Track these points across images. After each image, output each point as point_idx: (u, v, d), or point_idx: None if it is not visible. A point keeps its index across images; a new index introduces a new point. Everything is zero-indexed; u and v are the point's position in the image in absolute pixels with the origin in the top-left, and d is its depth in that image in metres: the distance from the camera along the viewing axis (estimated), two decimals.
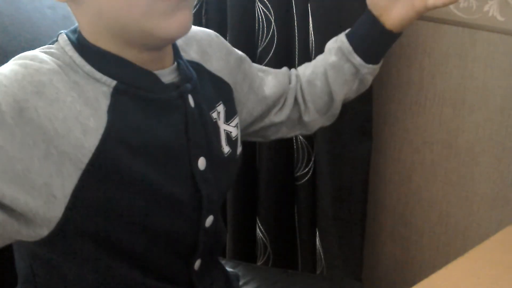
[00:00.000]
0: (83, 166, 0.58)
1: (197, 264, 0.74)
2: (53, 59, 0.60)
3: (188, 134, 0.68)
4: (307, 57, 1.17)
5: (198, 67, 0.75)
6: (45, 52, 0.61)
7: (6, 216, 0.53)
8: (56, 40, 0.64)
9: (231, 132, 0.77)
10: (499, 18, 1.02)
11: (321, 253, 1.30)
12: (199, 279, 0.75)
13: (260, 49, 1.22)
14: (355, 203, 1.25)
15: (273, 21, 1.18)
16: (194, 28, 0.78)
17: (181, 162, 0.67)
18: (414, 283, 0.72)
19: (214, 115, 0.74)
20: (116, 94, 0.62)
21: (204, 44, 0.78)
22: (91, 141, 0.59)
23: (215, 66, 0.79)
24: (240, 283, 0.96)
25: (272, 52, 1.20)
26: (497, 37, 1.03)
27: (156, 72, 0.65)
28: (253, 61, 1.25)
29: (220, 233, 0.79)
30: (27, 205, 0.54)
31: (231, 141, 0.77)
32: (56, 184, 0.56)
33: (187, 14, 0.61)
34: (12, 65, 0.58)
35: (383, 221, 1.34)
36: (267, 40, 1.20)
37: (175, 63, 0.69)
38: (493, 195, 1.13)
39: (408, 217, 1.29)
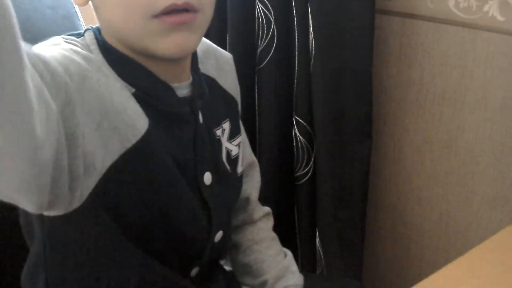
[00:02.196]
0: (129, 145, 0.58)
1: (195, 271, 0.74)
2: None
3: (195, 149, 0.68)
4: (307, 57, 1.17)
5: (212, 82, 0.76)
6: (72, 44, 0.61)
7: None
8: (82, 35, 0.63)
9: (231, 151, 0.77)
10: (499, 18, 1.02)
11: (321, 253, 1.30)
12: (195, 282, 0.75)
13: (260, 49, 1.22)
14: (355, 203, 1.25)
15: (273, 21, 1.18)
16: (216, 46, 0.79)
17: (187, 176, 0.67)
18: (414, 283, 0.72)
19: (218, 132, 0.74)
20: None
21: (222, 62, 0.79)
22: (142, 124, 0.60)
23: (229, 84, 0.80)
24: None
25: (272, 52, 1.20)
26: (497, 37, 1.03)
27: (172, 85, 0.66)
28: (253, 61, 1.26)
29: (226, 247, 0.80)
30: (76, 163, 0.53)
31: (230, 160, 0.77)
32: (99, 155, 0.56)
33: (186, 36, 0.60)
34: (64, 46, 0.58)
35: (383, 221, 1.34)
36: (267, 40, 1.20)
37: (191, 78, 0.69)
38: (493, 195, 1.13)
39: (408, 217, 1.29)
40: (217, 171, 0.72)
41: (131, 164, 0.59)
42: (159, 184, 0.63)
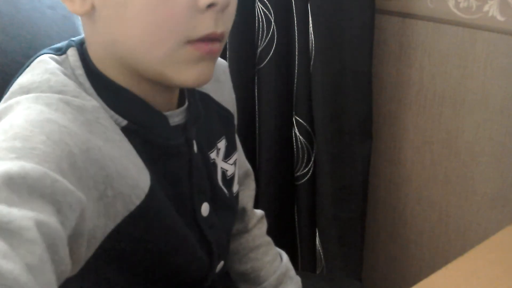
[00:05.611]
0: (133, 207, 0.53)
1: None
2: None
3: (191, 180, 0.64)
4: (307, 57, 1.17)
5: (206, 98, 0.70)
6: (62, 73, 0.53)
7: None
8: (64, 52, 0.57)
9: (227, 171, 0.73)
10: (499, 18, 1.02)
11: (321, 253, 1.30)
12: None
13: (260, 49, 1.22)
14: (355, 203, 1.25)
15: (273, 21, 1.18)
16: None
17: (184, 211, 0.62)
18: (414, 283, 0.72)
19: (213, 155, 0.70)
20: (124, 134, 0.56)
21: (218, 72, 0.73)
22: (144, 181, 0.54)
23: (225, 97, 0.74)
24: None
25: (272, 52, 1.20)
26: (497, 37, 1.03)
27: (166, 113, 0.60)
28: (253, 61, 1.26)
29: (226, 270, 0.78)
30: (79, 252, 0.46)
31: (225, 180, 0.72)
32: (100, 224, 0.50)
33: (211, 66, 0.56)
34: (49, 101, 0.50)
35: (383, 221, 1.34)
36: (267, 40, 1.20)
37: (186, 103, 0.63)
38: (493, 195, 1.13)
39: (408, 217, 1.29)
40: (215, 199, 0.68)
41: (134, 225, 0.55)
42: (162, 236, 0.59)
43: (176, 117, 0.61)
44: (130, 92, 0.57)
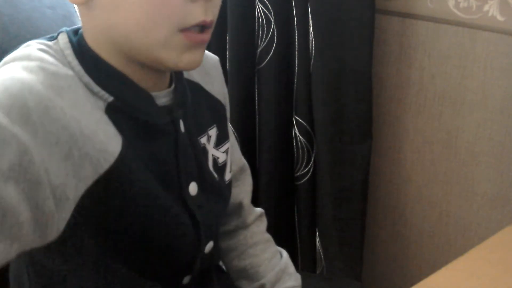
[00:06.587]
0: (102, 170, 0.56)
1: (187, 279, 0.73)
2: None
3: (178, 160, 0.66)
4: (307, 57, 1.17)
5: (196, 87, 0.73)
6: (44, 51, 0.58)
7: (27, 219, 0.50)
8: (55, 38, 0.61)
9: (218, 158, 0.75)
10: (499, 18, 1.02)
11: (321, 253, 1.30)
12: None
13: (260, 49, 1.22)
14: (355, 203, 1.25)
15: (273, 21, 1.18)
16: None
17: (171, 189, 0.65)
18: (414, 283, 0.72)
19: (203, 140, 0.72)
20: (109, 110, 0.59)
21: (208, 67, 0.77)
22: (114, 147, 0.57)
23: (216, 88, 0.77)
24: None
25: (272, 52, 1.21)
26: (497, 37, 1.03)
27: (152, 93, 0.63)
28: (253, 61, 1.26)
29: (217, 257, 0.79)
30: (45, 205, 0.51)
31: (217, 167, 0.74)
32: (70, 184, 0.54)
33: (201, 52, 0.61)
34: (26, 66, 0.55)
35: (383, 221, 1.34)
36: (267, 40, 1.20)
37: (173, 85, 0.67)
38: (493, 195, 1.13)
39: (408, 217, 1.29)
40: (203, 181, 0.70)
41: (107, 189, 0.57)
42: (139, 204, 0.61)
43: (162, 98, 0.65)
44: (120, 72, 0.60)
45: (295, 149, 1.27)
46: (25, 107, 0.50)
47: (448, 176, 1.18)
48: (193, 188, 0.68)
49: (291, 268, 0.88)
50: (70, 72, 0.57)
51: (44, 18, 0.82)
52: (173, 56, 0.58)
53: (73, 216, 0.56)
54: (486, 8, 1.03)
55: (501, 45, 1.03)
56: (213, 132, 0.74)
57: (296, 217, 1.34)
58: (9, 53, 0.58)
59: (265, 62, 1.21)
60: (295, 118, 1.24)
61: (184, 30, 0.57)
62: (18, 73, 0.53)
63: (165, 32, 0.57)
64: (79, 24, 0.63)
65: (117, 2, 0.56)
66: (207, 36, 0.60)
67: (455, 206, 1.19)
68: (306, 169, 1.27)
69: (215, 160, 0.74)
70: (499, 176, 1.11)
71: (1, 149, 0.47)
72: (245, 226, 0.87)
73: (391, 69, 1.20)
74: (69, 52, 0.59)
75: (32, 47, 0.58)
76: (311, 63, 1.17)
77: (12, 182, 0.47)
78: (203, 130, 0.73)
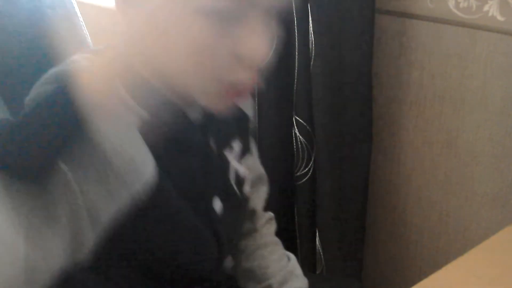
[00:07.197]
0: (136, 194, 0.54)
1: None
2: None
3: (205, 176, 0.65)
4: (307, 57, 1.17)
5: None
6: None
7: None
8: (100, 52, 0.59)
9: (239, 172, 0.74)
10: (499, 18, 1.02)
11: (321, 253, 1.30)
12: None
13: None
14: (355, 203, 1.25)
15: None
16: None
17: (198, 204, 0.64)
18: (414, 283, 0.72)
19: (227, 153, 0.71)
20: (143, 126, 0.56)
21: None
22: (147, 167, 0.55)
23: None
24: None
25: (272, 52, 1.20)
26: (497, 37, 1.03)
27: (185, 108, 0.62)
28: None
29: (231, 276, 0.79)
30: (81, 225, 0.50)
31: (238, 181, 0.73)
32: (103, 206, 0.51)
33: (234, 101, 0.60)
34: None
35: (383, 221, 1.34)
36: None
37: None
38: (493, 195, 1.13)
39: (408, 217, 1.29)
40: (226, 196, 0.69)
41: (139, 209, 0.55)
42: (169, 223, 0.60)
43: (195, 112, 0.63)
44: (152, 84, 0.59)
45: (295, 149, 1.27)
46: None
47: (448, 176, 1.18)
48: (217, 203, 0.67)
49: (299, 270, 0.88)
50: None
51: (44, 18, 0.82)
52: (206, 99, 0.57)
53: (103, 235, 0.53)
54: (486, 8, 1.03)
55: (501, 45, 1.03)
56: (236, 144, 0.73)
57: (296, 217, 1.34)
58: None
59: (265, 62, 1.21)
60: (295, 118, 1.24)
61: (223, 82, 0.55)
62: None
63: (205, 81, 0.55)
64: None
65: (166, 41, 0.54)
66: (246, 90, 0.59)
67: (455, 206, 1.19)
68: (306, 169, 1.27)
69: (236, 173, 0.73)
70: (499, 176, 1.11)
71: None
72: (255, 229, 0.87)
73: (391, 69, 1.20)
74: None
75: (76, 58, 0.57)
76: (311, 63, 1.17)
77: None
78: (228, 143, 0.71)
